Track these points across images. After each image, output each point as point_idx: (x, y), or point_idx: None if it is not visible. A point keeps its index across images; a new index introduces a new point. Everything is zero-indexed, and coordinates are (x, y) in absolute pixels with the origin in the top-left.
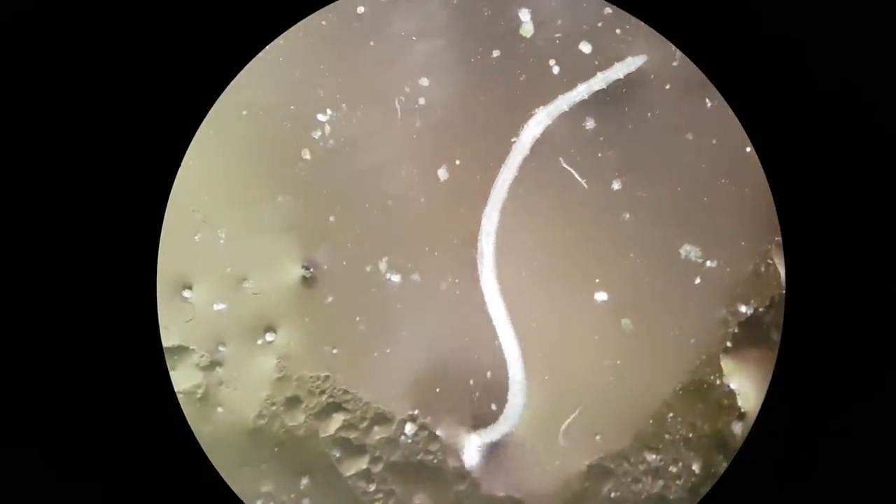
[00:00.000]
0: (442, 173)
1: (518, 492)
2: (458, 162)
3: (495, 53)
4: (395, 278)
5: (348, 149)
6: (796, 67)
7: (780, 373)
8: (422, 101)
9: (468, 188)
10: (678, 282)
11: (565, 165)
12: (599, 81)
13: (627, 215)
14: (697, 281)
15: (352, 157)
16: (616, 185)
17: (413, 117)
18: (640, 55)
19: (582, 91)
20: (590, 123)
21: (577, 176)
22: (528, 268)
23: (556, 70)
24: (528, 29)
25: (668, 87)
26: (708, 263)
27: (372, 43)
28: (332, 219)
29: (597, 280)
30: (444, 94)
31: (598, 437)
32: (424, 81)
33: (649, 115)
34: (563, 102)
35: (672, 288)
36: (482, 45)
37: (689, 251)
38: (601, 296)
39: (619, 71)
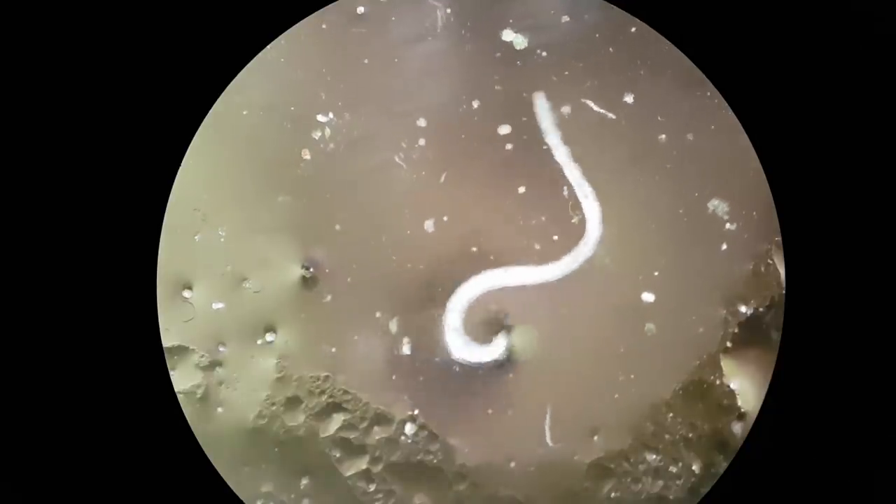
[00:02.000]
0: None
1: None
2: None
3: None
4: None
5: (349, 150)
6: (796, 67)
7: (780, 373)
8: (422, 141)
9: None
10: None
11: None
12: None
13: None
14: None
15: (352, 158)
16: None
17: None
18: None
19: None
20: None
21: (595, 107)
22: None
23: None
24: (520, 42)
25: (667, 87)
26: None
27: (372, 44)
28: (337, 227)
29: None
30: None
31: (595, 438)
32: (422, 122)
33: (649, 114)
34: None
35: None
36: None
37: (717, 205)
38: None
39: (543, 122)
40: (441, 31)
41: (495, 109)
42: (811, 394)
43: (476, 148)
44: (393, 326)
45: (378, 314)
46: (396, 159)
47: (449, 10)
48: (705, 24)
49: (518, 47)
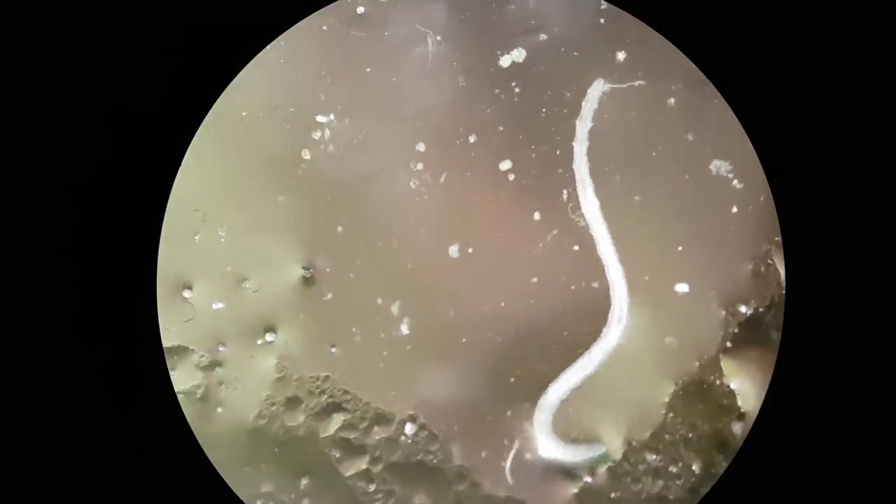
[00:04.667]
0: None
1: (520, 492)
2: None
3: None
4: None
5: (349, 150)
6: (796, 67)
7: (780, 373)
8: (421, 146)
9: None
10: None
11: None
12: (583, 126)
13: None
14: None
15: (353, 159)
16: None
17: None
18: (597, 80)
19: (581, 146)
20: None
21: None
22: None
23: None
24: (518, 55)
25: (667, 87)
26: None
27: (372, 45)
28: (339, 229)
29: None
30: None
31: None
32: (421, 147)
33: (648, 115)
34: (581, 163)
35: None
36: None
37: (720, 166)
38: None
39: (590, 104)
40: (433, 60)
41: (498, 113)
42: (811, 394)
43: (476, 151)
44: (395, 309)
45: (379, 300)
46: (412, 186)
47: (439, 38)
48: (705, 24)
49: (516, 60)
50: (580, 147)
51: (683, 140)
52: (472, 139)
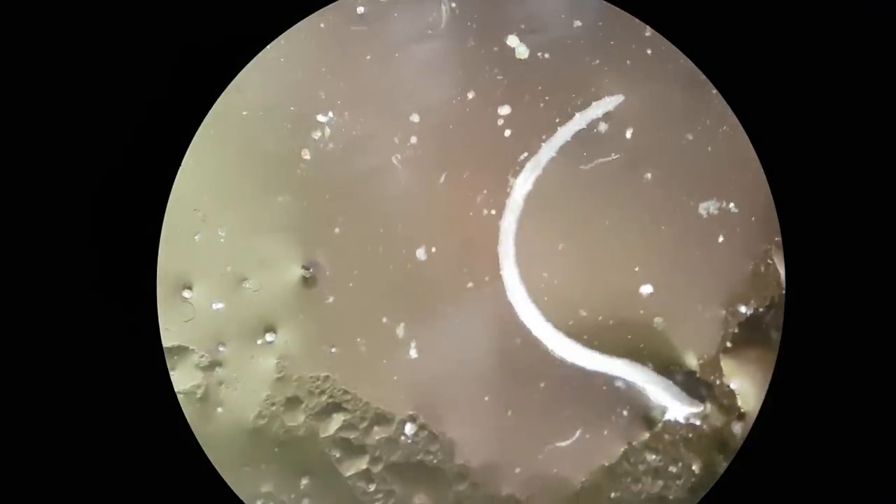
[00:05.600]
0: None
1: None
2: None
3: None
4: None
5: (349, 149)
6: (796, 67)
7: (780, 373)
8: (414, 139)
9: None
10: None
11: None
12: (579, 122)
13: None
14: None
15: (352, 158)
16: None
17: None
18: (617, 95)
19: (564, 133)
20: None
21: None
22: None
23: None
24: (522, 52)
25: (668, 88)
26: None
27: (372, 42)
28: (336, 230)
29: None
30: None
31: (588, 436)
32: (415, 118)
33: (649, 115)
34: (549, 149)
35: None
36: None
37: (709, 206)
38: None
39: (597, 109)
40: (445, 28)
41: (493, 101)
42: (811, 394)
43: (471, 138)
44: (400, 332)
45: (385, 319)
46: (394, 161)
47: (454, 5)
48: (706, 24)
49: (520, 56)
50: (561, 135)
51: (684, 139)
52: (469, 95)
